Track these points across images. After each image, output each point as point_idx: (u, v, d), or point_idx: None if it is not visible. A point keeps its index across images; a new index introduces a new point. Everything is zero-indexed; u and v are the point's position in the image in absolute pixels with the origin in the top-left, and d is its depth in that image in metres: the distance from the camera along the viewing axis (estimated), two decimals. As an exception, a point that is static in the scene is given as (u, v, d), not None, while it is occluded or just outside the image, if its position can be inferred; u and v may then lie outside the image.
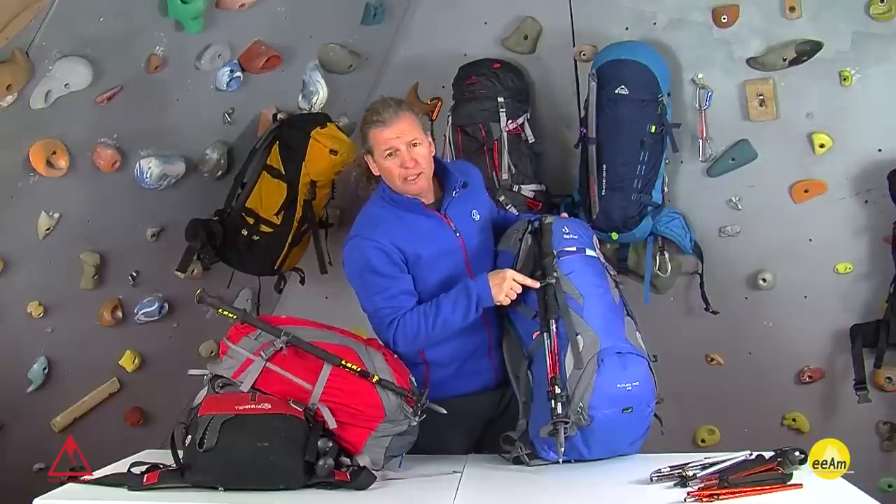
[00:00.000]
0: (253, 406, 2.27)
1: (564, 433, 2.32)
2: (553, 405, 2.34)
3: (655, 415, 2.49)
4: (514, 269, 2.57)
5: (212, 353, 3.67)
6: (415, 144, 2.58)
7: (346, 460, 2.31)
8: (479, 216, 2.74)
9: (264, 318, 2.55)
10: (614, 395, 2.38)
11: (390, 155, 2.58)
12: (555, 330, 2.44)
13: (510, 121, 3.39)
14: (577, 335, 2.41)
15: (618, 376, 2.39)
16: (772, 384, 3.56)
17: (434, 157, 2.69)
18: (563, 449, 2.33)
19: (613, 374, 2.38)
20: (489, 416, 2.76)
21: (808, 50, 3.20)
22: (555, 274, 2.53)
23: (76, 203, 3.09)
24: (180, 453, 2.22)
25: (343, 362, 2.35)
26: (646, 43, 3.31)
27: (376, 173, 2.67)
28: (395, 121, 2.57)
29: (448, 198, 2.69)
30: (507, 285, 2.53)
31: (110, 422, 3.54)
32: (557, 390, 2.35)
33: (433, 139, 2.77)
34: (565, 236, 2.66)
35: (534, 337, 2.51)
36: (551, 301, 2.48)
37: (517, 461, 2.49)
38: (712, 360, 3.62)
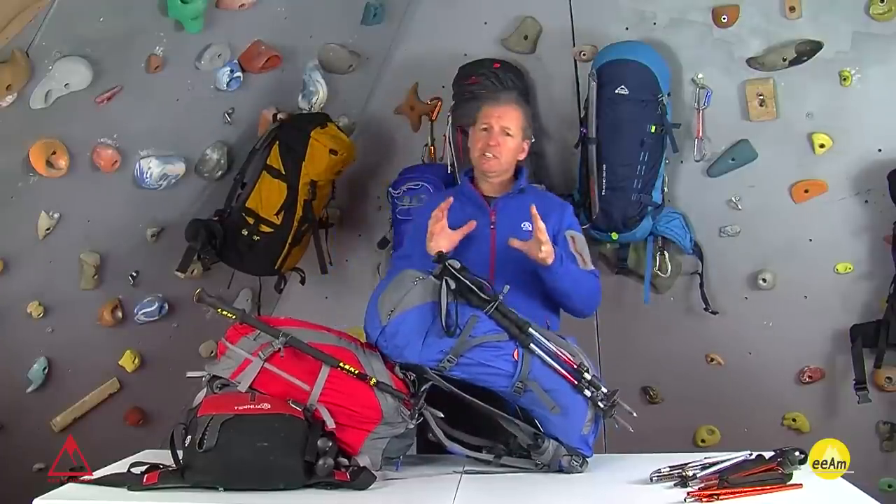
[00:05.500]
0: (252, 406, 2.27)
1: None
2: (594, 390, 2.39)
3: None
4: (450, 314, 2.36)
5: (212, 353, 3.67)
6: (507, 133, 2.76)
7: (345, 460, 2.30)
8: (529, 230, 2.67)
9: (262, 319, 2.54)
10: None
11: (484, 130, 2.77)
12: (536, 335, 2.40)
13: (510, 121, 3.39)
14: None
15: None
16: (772, 384, 3.55)
17: (518, 169, 2.84)
18: (635, 414, 2.43)
19: None
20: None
21: (808, 50, 3.20)
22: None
23: (76, 203, 3.09)
24: (180, 453, 2.22)
25: (341, 364, 2.35)
26: (646, 43, 3.31)
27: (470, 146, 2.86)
28: (506, 105, 2.82)
29: (504, 196, 2.79)
30: None
31: (110, 422, 3.55)
32: (587, 375, 2.40)
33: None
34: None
35: (515, 358, 2.38)
36: (513, 315, 2.41)
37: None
38: (712, 360, 3.62)
